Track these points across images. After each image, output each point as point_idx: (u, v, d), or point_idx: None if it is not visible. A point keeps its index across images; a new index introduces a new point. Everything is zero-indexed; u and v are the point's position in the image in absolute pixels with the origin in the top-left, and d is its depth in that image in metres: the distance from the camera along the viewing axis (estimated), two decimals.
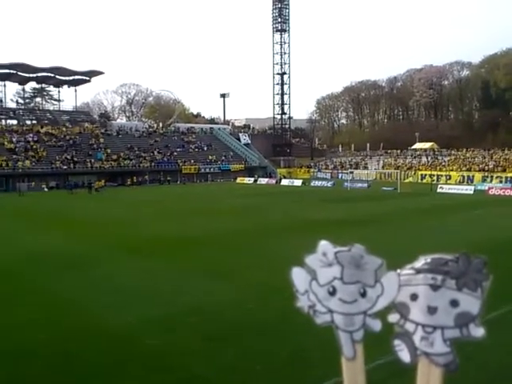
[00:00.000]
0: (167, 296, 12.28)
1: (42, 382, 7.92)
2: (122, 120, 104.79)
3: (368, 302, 1.33)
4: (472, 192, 45.27)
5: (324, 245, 1.39)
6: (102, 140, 69.86)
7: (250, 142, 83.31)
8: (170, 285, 13.36)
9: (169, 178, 65.52)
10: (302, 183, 60.46)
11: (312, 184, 59.38)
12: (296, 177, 69.85)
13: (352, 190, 50.12)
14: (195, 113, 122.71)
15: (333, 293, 1.34)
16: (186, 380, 7.86)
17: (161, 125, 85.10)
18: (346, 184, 53.66)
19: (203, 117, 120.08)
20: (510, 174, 53.67)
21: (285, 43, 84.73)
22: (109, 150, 67.32)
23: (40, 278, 14.41)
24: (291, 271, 1.39)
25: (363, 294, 1.33)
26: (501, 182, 52.28)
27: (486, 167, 58.48)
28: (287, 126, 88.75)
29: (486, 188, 47.17)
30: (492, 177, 54.39)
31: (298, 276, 1.38)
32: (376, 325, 1.33)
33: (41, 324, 10.36)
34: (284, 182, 63.44)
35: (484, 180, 53.70)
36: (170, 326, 10.18)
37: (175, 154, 72.07)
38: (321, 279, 1.36)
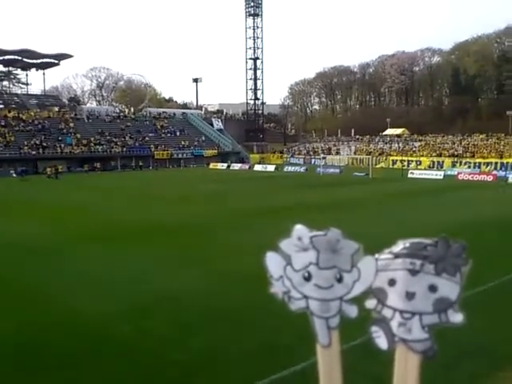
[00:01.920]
0: (140, 284, 12.18)
1: (11, 372, 7.76)
2: (92, 104, 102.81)
3: (344, 288, 1.28)
4: (442, 177, 46.10)
5: (299, 229, 1.34)
6: (71, 125, 68.33)
7: (222, 127, 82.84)
8: (143, 272, 13.23)
9: (141, 164, 64.71)
10: (275, 169, 60.55)
11: (285, 169, 59.55)
12: (269, 162, 69.88)
13: (324, 175, 50.44)
14: (167, 97, 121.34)
15: (308, 278, 1.30)
16: (160, 367, 7.82)
17: (132, 109, 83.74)
18: (318, 169, 53.95)
19: (175, 101, 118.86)
20: (478, 160, 54.78)
21: (257, 28, 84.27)
22: (79, 135, 65.93)
23: (4, 267, 14.08)
24: (265, 256, 1.34)
25: (339, 280, 1.29)
26: (469, 167, 53.31)
27: (456, 153, 59.55)
28: (260, 112, 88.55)
29: (456, 173, 48.06)
30: (461, 162, 55.44)
31: (273, 261, 1.33)
32: (352, 311, 1.29)
33: (7, 313, 10.14)
34: (257, 167, 63.40)
35: (453, 165, 54.71)
36: (143, 313, 10.11)
37: (147, 139, 71.12)
38: (296, 264, 1.31)
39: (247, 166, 65.37)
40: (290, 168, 60.80)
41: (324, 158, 63.61)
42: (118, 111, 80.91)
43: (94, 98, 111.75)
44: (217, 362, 7.96)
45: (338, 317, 1.30)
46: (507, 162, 52.21)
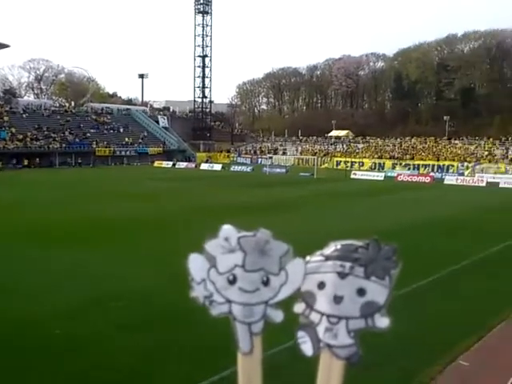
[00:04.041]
0: (88, 282, 11.88)
1: None
2: (29, 97, 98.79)
3: (270, 291, 1.22)
4: (382, 178, 47.53)
5: (226, 229, 1.26)
6: (6, 118, 65.06)
7: (169, 124, 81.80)
8: (91, 271, 12.90)
9: (80, 161, 62.48)
10: (222, 168, 60.42)
11: (232, 169, 59.53)
12: (216, 161, 69.65)
13: (271, 175, 50.81)
14: (111, 92, 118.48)
15: (233, 281, 1.22)
16: (97, 366, 7.61)
17: (73, 104, 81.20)
18: (265, 169, 54.29)
19: (120, 97, 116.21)
20: (417, 162, 56.84)
21: (207, 26, 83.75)
22: (14, 130, 62.89)
23: None
24: (188, 258, 1.26)
25: (266, 283, 1.22)
26: (409, 169, 55.21)
27: (396, 155, 61.52)
28: (208, 110, 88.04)
29: (395, 174, 49.66)
30: (401, 164, 57.33)
31: (196, 263, 1.25)
32: (277, 315, 1.23)
33: None
34: (203, 166, 63.05)
35: (394, 167, 56.50)
36: (86, 312, 9.85)
37: (88, 135, 68.98)
38: (221, 267, 1.24)
39: (193, 165, 64.88)
40: (236, 167, 60.85)
41: (271, 157, 64.08)
42: (57, 105, 78.10)
43: (32, 90, 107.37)
44: (158, 365, 7.80)
45: (261, 322, 1.23)
46: (443, 165, 54.47)
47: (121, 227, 19.34)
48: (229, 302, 1.23)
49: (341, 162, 62.68)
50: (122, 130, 74.74)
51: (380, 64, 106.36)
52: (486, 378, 7.66)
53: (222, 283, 1.23)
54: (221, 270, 1.23)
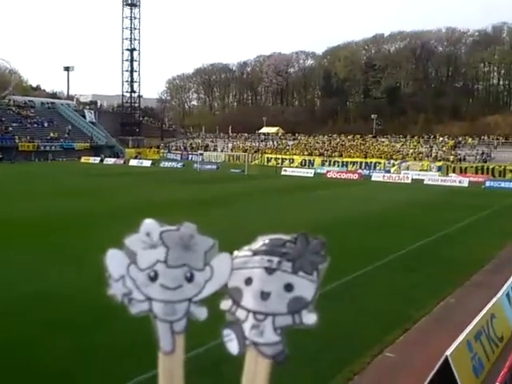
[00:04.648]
0: (11, 282, 11.26)
1: None
2: None
3: (195, 288, 1.16)
4: (312, 175, 48.47)
5: (148, 224, 1.19)
6: None
7: (96, 119, 79.25)
8: (11, 271, 12.25)
9: (1, 156, 59.15)
10: (152, 164, 59.39)
11: (162, 165, 58.65)
12: (145, 157, 68.30)
13: (201, 171, 50.50)
14: (34, 85, 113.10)
15: (154, 278, 1.16)
16: (22, 367, 7.25)
17: None
18: (195, 165, 53.87)
19: (44, 90, 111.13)
20: (345, 159, 58.49)
21: (135, 18, 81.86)
22: None
23: None
24: (106, 254, 1.17)
25: (190, 279, 1.16)
26: (338, 166, 56.70)
27: (325, 152, 62.99)
28: (137, 105, 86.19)
29: (325, 171, 50.82)
30: (330, 161, 58.76)
31: (114, 259, 1.17)
32: (202, 313, 1.18)
33: None
34: (132, 162, 61.64)
35: (323, 164, 57.84)
36: (8, 313, 9.36)
37: (10, 129, 65.55)
38: (141, 263, 1.16)
39: (122, 161, 63.29)
40: (166, 163, 60.01)
41: (201, 154, 63.67)
42: None
43: None
44: (82, 367, 7.53)
45: (184, 320, 1.17)
46: (371, 162, 56.40)
47: (41, 226, 18.49)
48: (149, 299, 1.16)
49: (271, 158, 63.35)
50: (46, 124, 71.60)
51: (309, 62, 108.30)
52: (410, 369, 7.98)
53: (143, 280, 1.16)
54: (141, 266, 1.16)
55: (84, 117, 77.66)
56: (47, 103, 79.21)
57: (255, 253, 1.19)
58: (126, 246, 1.18)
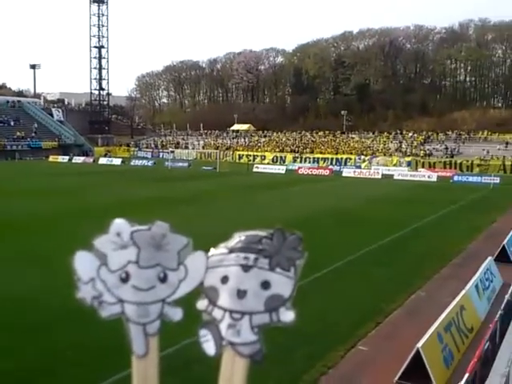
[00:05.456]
0: None
1: None
2: None
3: (168, 288, 1.13)
4: (284, 171, 48.64)
5: (118, 223, 1.15)
6: None
7: (64, 117, 77.77)
8: None
9: None
10: (122, 162, 58.64)
11: (132, 163, 58.01)
12: (115, 156, 67.38)
13: (173, 169, 50.14)
14: None
15: (126, 279, 1.12)
16: None
17: None
18: (166, 163, 53.45)
19: (9, 88, 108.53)
20: (316, 155, 58.89)
21: (103, 15, 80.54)
22: None
23: None
24: (74, 257, 1.13)
25: (163, 279, 1.13)
26: (309, 162, 57.04)
27: (297, 148, 63.28)
28: (106, 103, 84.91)
29: (296, 168, 51.05)
30: (301, 157, 59.05)
31: (83, 262, 1.12)
32: (176, 313, 1.14)
33: None
34: (102, 160, 60.73)
35: (294, 160, 58.08)
36: None
37: None
38: (112, 264, 1.12)
39: (91, 160, 62.29)
40: (137, 162, 59.39)
41: (172, 151, 63.27)
42: None
43: None
44: (54, 367, 7.38)
45: (158, 322, 1.13)
46: (342, 158, 56.92)
47: (6, 226, 17.98)
48: (121, 301, 1.12)
49: (243, 155, 63.33)
50: (12, 123, 70.00)
51: (280, 59, 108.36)
52: (383, 361, 8.08)
53: (114, 282, 1.11)
54: (112, 267, 1.12)
55: (51, 115, 76.13)
56: (13, 102, 77.37)
57: (231, 250, 1.16)
58: (96, 247, 1.13)
